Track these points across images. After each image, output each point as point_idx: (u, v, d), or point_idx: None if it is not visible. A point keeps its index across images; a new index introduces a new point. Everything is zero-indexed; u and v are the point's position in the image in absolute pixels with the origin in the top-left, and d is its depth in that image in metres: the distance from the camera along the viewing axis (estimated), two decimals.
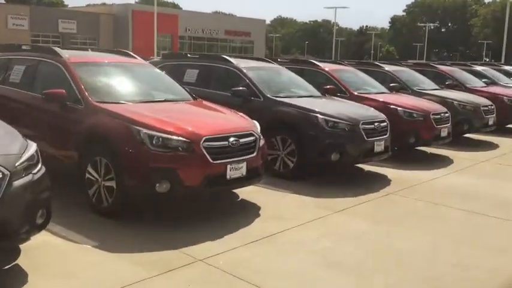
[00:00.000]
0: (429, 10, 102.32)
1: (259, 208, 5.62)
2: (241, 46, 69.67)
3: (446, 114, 9.15)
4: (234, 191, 5.98)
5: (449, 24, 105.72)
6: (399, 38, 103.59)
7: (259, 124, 6.88)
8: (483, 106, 10.77)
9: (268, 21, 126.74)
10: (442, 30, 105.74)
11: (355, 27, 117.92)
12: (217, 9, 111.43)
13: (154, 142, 4.67)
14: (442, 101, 10.59)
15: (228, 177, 4.97)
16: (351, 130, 6.77)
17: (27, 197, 3.46)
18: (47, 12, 53.26)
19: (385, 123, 7.29)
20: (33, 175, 3.54)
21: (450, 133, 9.22)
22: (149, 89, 6.12)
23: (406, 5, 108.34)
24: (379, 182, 7.16)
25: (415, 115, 8.66)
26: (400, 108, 8.65)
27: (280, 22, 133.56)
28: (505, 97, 12.55)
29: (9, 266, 3.84)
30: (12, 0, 66.21)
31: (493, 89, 13.14)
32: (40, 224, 3.65)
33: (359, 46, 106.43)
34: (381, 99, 8.97)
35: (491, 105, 11.08)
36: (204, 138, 4.82)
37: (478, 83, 13.65)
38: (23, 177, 3.45)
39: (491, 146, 10.83)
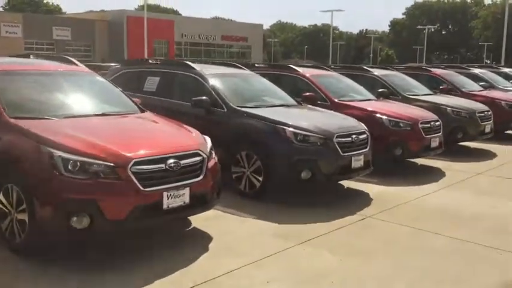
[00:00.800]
0: (429, 12, 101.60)
1: (210, 239, 4.79)
2: (238, 51, 69.03)
3: (437, 123, 8.31)
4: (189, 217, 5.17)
5: (450, 27, 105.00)
6: (399, 41, 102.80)
7: (223, 139, 6.13)
8: (479, 112, 9.93)
9: (267, 26, 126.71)
10: (443, 32, 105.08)
11: (356, 31, 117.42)
12: (216, 15, 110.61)
13: (70, 167, 3.85)
14: (434, 107, 9.78)
15: (165, 206, 4.15)
16: (323, 144, 5.94)
17: None
18: (40, 20, 52.65)
19: (364, 135, 6.46)
20: None
21: (442, 143, 8.38)
22: (85, 100, 5.31)
23: (406, 8, 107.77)
24: (359, 201, 6.32)
25: (401, 124, 7.83)
26: (385, 117, 7.83)
27: (280, 27, 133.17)
28: (503, 102, 11.71)
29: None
30: (9, 8, 65.77)
31: (490, 93, 12.30)
32: None
33: (359, 50, 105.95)
34: (364, 107, 8.15)
35: (488, 111, 10.24)
36: (133, 162, 4.00)
37: (474, 87, 12.83)
38: None
39: (489, 155, 9.97)
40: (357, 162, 6.19)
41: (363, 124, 6.74)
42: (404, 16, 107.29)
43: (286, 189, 6.35)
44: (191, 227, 5.12)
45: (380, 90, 10.15)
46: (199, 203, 4.47)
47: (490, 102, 11.68)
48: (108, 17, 56.20)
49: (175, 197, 4.21)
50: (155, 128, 5.01)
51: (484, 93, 12.25)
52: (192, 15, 74.50)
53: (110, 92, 5.64)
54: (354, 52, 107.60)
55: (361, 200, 6.43)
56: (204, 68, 7.15)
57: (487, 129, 10.03)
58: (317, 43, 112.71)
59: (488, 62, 78.69)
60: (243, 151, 6.14)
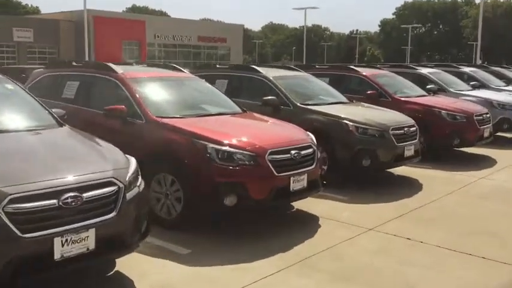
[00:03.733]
0: (419, 12, 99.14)
1: None
2: (217, 52, 66.04)
3: (306, 150, 5.33)
4: None
5: (441, 27, 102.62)
6: (389, 41, 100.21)
7: None
8: (395, 129, 7.03)
9: (259, 28, 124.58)
10: (434, 32, 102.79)
11: (348, 32, 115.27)
12: (207, 17, 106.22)
13: None
14: (334, 122, 6.98)
15: None
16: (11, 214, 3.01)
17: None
18: None
19: (103, 192, 3.50)
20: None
21: (316, 181, 5.48)
22: None
23: (396, 8, 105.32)
24: None
25: (238, 157, 4.88)
26: (214, 146, 4.89)
27: (272, 28, 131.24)
28: (443, 111, 8.81)
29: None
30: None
31: (430, 100, 9.42)
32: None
33: (349, 50, 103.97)
34: (190, 129, 5.18)
35: (412, 127, 7.35)
36: None
37: (414, 92, 9.97)
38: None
39: (411, 189, 7.03)
40: (69, 250, 3.24)
41: (132, 159, 3.83)
42: (394, 16, 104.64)
43: None
44: None
45: (266, 98, 7.40)
46: None
47: (427, 111, 8.88)
48: (73, 17, 53.19)
49: None
50: None
51: (423, 100, 9.37)
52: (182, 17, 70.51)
53: None
54: (344, 53, 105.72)
55: None
56: None
57: (408, 153, 7.14)
58: (308, 43, 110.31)
59: (480, 61, 76.19)
60: None
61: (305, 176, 5.17)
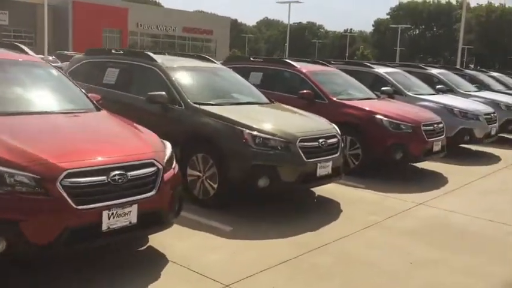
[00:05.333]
0: (414, 13, 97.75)
1: None
2: (202, 44, 64.20)
3: (140, 172, 3.71)
4: None
5: (435, 29, 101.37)
6: (383, 41, 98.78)
7: None
8: (305, 140, 5.45)
9: (254, 23, 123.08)
10: (428, 34, 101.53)
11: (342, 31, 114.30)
12: (201, 9, 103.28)
13: None
14: (226, 128, 5.44)
15: None
16: None
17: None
18: None
19: None
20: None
21: (158, 214, 3.86)
22: None
23: (390, 8, 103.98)
24: None
25: (14, 180, 3.26)
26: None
27: (266, 24, 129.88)
28: (384, 118, 7.24)
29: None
30: None
31: (373, 104, 7.80)
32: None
33: (343, 48, 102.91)
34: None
35: (329, 138, 5.74)
36: None
37: (360, 94, 8.44)
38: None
39: (322, 218, 5.47)
40: None
41: None
42: (388, 17, 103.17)
43: None
44: None
45: (151, 93, 5.95)
46: None
47: (367, 118, 7.36)
48: (52, 1, 51.09)
49: None
50: None
51: (364, 104, 7.76)
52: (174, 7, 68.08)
53: None
54: (337, 51, 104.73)
55: None
56: None
57: (323, 171, 5.56)
58: (301, 41, 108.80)
59: (472, 66, 74.81)
60: None
61: (134, 208, 3.60)
